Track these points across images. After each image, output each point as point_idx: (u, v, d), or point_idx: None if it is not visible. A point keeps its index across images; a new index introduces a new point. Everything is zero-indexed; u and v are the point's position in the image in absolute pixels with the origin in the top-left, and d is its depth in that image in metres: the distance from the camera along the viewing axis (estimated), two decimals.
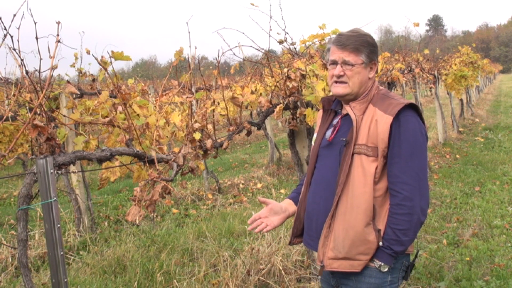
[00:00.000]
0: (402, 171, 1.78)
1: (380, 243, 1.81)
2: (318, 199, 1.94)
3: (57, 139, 2.01)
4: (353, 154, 1.83)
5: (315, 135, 2.08)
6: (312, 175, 2.01)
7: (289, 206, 2.14)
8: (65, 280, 1.91)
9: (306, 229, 2.04)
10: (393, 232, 1.79)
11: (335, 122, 1.99)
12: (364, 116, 1.85)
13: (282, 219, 2.09)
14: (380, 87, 1.98)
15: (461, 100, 13.51)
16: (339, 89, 1.90)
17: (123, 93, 2.38)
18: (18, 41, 1.81)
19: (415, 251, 1.98)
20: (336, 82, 1.90)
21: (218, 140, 2.82)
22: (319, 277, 2.02)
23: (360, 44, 1.86)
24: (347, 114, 1.92)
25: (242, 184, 7.60)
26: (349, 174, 1.83)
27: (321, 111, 2.11)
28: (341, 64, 1.87)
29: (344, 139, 1.88)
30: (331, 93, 2.03)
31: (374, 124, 1.82)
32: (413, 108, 1.85)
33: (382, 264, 1.82)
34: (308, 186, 2.02)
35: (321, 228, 1.90)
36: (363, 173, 1.80)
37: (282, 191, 6.94)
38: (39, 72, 1.98)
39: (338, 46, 1.88)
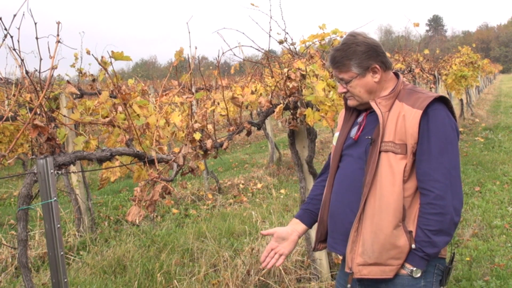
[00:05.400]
0: (432, 168, 1.67)
1: (413, 246, 1.70)
2: (342, 199, 1.84)
3: (57, 139, 2.01)
4: (379, 152, 1.72)
5: (336, 134, 1.98)
6: (335, 175, 1.91)
7: (296, 225, 2.02)
8: (65, 280, 1.91)
9: (330, 232, 1.92)
10: (424, 234, 1.68)
11: (359, 120, 1.89)
12: (391, 112, 1.75)
13: (293, 242, 1.98)
14: (406, 82, 1.88)
15: (461, 100, 13.51)
16: (350, 102, 1.89)
17: (123, 93, 2.38)
18: (18, 41, 1.81)
19: (449, 254, 1.86)
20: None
21: (218, 140, 2.82)
22: (349, 286, 1.82)
23: (347, 59, 1.78)
24: (373, 111, 1.82)
25: (242, 184, 7.60)
26: (376, 173, 1.72)
27: (343, 109, 2.03)
28: (339, 82, 1.86)
29: (369, 137, 1.77)
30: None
31: (401, 120, 1.71)
32: (442, 101, 1.75)
33: (414, 269, 1.70)
34: (331, 186, 1.92)
35: (345, 230, 1.80)
36: (391, 172, 1.70)
37: (282, 191, 6.93)
38: (39, 72, 1.98)
39: (331, 65, 1.86)
